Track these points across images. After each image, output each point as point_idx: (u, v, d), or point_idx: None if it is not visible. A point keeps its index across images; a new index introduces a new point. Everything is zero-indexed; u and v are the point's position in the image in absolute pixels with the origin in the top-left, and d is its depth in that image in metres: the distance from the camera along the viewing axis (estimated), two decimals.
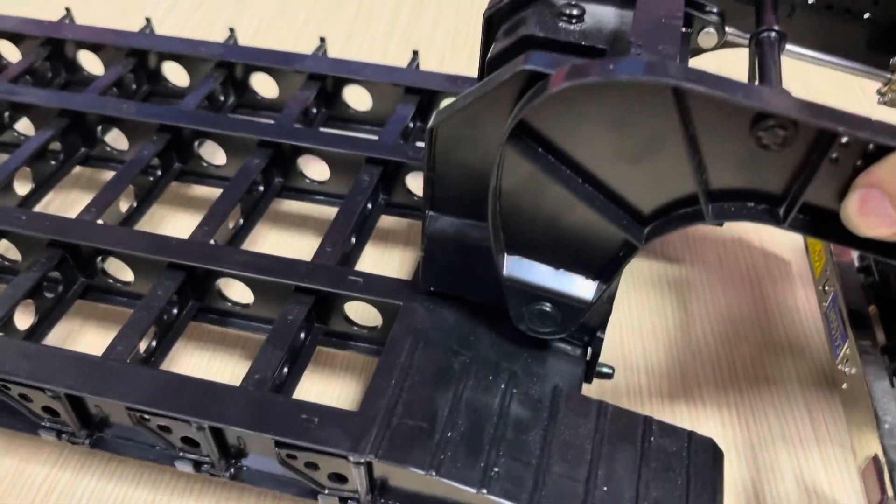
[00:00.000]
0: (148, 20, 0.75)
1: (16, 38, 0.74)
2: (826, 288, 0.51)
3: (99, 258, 0.55)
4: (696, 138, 0.34)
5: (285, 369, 0.49)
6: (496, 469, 0.41)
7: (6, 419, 0.49)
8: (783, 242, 0.64)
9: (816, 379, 0.55)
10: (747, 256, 0.63)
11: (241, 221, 0.60)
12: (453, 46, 0.88)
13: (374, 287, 0.50)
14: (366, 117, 0.70)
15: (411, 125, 0.66)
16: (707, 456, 0.42)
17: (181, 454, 0.46)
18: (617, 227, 0.39)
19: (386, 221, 0.64)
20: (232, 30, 0.74)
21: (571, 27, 0.41)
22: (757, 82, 0.45)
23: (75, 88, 0.74)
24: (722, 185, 0.36)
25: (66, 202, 0.67)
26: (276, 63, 0.69)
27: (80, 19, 0.77)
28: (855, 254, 0.51)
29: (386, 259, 0.63)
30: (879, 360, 0.44)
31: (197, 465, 0.46)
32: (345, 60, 0.69)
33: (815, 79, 0.77)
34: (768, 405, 0.53)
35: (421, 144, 0.62)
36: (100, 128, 0.66)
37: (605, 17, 0.42)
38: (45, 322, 0.54)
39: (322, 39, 0.73)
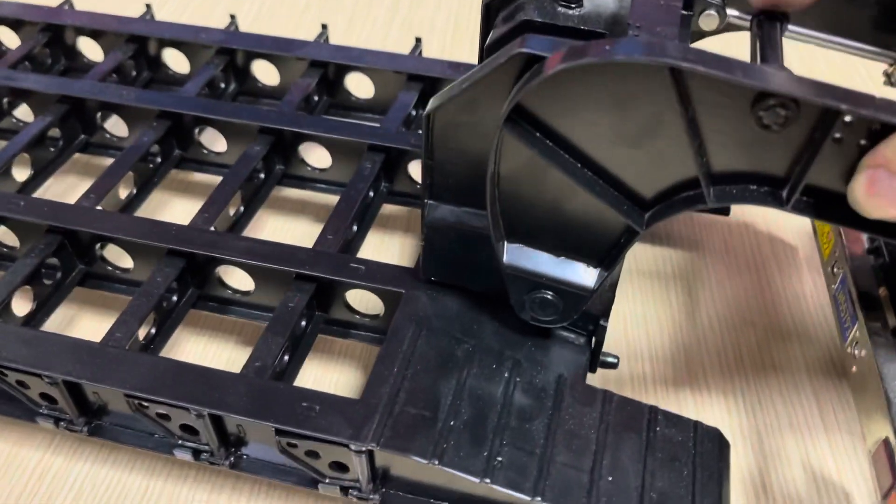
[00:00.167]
0: (148, 6, 0.74)
1: (15, 24, 0.73)
2: (835, 270, 0.51)
3: (98, 245, 0.54)
4: (696, 120, 0.34)
5: (286, 357, 0.48)
6: (499, 458, 0.40)
7: (3, 406, 0.49)
8: (790, 227, 0.64)
9: (824, 365, 0.54)
10: (753, 242, 0.63)
11: (242, 209, 0.60)
12: (454, 32, 0.87)
13: (375, 275, 0.50)
14: (368, 105, 0.69)
15: (413, 113, 0.65)
16: (713, 446, 0.42)
17: (180, 442, 0.46)
18: (617, 213, 0.38)
19: (387, 208, 0.63)
20: (233, 16, 0.73)
21: (570, 12, 0.41)
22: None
23: (75, 75, 0.73)
24: (723, 168, 0.35)
25: (65, 189, 0.67)
26: (277, 50, 0.68)
27: (79, 5, 0.76)
28: (864, 235, 0.50)
29: (387, 246, 0.63)
30: (890, 341, 0.44)
31: (196, 454, 0.46)
32: (347, 47, 0.69)
33: (820, 62, 0.77)
34: (775, 392, 0.53)
35: None
36: (99, 114, 0.65)
37: (604, 1, 0.42)
38: (42, 309, 0.53)
39: (324, 26, 0.73)
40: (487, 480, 0.39)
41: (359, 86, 0.69)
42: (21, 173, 0.62)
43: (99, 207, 0.56)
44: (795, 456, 0.50)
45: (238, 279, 0.53)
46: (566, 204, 0.39)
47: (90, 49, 0.73)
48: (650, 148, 0.35)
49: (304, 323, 0.51)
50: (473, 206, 0.45)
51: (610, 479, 0.40)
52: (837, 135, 0.32)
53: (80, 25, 0.71)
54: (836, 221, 0.35)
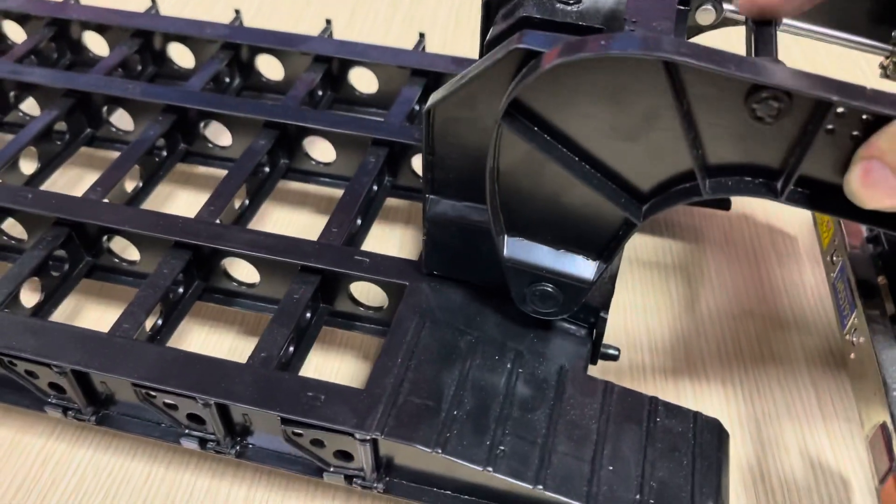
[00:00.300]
0: (153, 1, 0.75)
1: (21, 19, 0.74)
2: (834, 258, 0.51)
3: (105, 237, 0.55)
4: (691, 113, 0.34)
5: (291, 348, 0.49)
6: (502, 447, 0.41)
7: (12, 396, 0.50)
8: (789, 218, 0.64)
9: (822, 355, 0.55)
10: (753, 232, 0.63)
11: (247, 202, 0.60)
12: (456, 27, 0.87)
13: (380, 267, 0.50)
14: (371, 100, 0.70)
15: (417, 108, 0.65)
16: (713, 436, 0.43)
17: (187, 431, 0.46)
18: (615, 205, 0.39)
19: (391, 200, 0.64)
20: (237, 11, 0.74)
21: (569, 8, 0.41)
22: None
23: (80, 69, 0.74)
24: (718, 160, 0.36)
25: (72, 182, 0.67)
26: (281, 44, 0.69)
27: (85, 0, 0.77)
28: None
29: (391, 238, 0.63)
30: (888, 328, 0.44)
31: (202, 443, 0.46)
32: (350, 42, 0.69)
33: (821, 55, 0.77)
34: (773, 381, 0.53)
35: None
36: (105, 108, 0.66)
37: None
38: (50, 300, 0.54)
39: (328, 21, 0.73)
40: (490, 469, 0.40)
41: (363, 81, 0.69)
42: (28, 166, 0.62)
43: (106, 200, 0.57)
44: (793, 444, 0.50)
45: (243, 271, 0.54)
46: (565, 197, 0.40)
47: (96, 43, 0.74)
48: (646, 141, 0.36)
49: (308, 314, 0.51)
50: (474, 200, 0.45)
51: (610, 468, 0.41)
52: (830, 126, 0.33)
53: (85, 20, 0.72)
54: (831, 212, 0.36)
